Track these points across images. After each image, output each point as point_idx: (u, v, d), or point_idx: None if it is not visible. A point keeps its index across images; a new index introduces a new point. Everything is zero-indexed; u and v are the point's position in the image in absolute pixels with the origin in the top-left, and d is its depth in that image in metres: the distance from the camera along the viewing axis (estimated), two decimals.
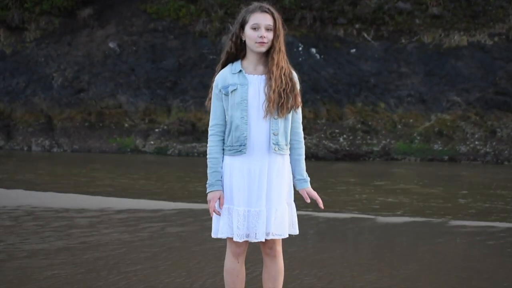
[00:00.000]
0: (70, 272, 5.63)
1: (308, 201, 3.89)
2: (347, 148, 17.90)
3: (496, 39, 19.79)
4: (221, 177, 3.80)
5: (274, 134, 3.74)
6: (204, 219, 8.23)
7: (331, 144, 17.95)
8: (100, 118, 19.98)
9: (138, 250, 6.60)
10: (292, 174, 3.90)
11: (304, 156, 3.93)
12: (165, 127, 19.25)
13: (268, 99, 3.69)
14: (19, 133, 20.07)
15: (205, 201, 3.92)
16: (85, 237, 7.22)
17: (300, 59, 19.68)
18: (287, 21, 20.30)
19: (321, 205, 3.88)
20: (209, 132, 3.82)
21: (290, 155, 3.88)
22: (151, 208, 9.30)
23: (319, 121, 18.67)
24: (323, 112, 18.96)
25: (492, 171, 15.29)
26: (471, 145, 17.71)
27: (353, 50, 20.27)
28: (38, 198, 10.08)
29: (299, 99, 3.80)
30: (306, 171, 3.92)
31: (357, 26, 20.59)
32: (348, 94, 19.42)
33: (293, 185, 3.90)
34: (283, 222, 3.78)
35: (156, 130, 19.28)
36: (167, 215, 8.79)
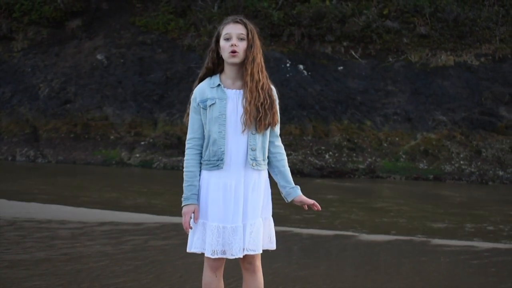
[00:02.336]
0: (51, 284, 5.57)
1: (306, 208, 3.84)
2: (333, 165, 17.90)
3: (482, 59, 19.99)
4: (198, 191, 3.76)
5: (252, 150, 3.71)
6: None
7: (317, 161, 17.95)
8: (85, 130, 19.88)
9: (121, 262, 6.54)
10: (281, 186, 3.86)
11: (288, 167, 3.90)
12: (151, 140, 19.19)
13: (245, 111, 3.67)
14: (3, 143, 19.91)
15: None
16: (67, 249, 7.16)
17: (288, 75, 19.72)
18: (275, 37, 20.56)
19: (318, 207, 3.82)
20: (186, 146, 3.79)
21: (274, 168, 3.85)
22: (134, 221, 9.25)
23: (305, 138, 18.68)
24: (309, 128, 18.98)
25: (477, 191, 15.35)
26: (456, 165, 17.78)
27: (341, 68, 20.37)
28: (20, 208, 9.99)
29: (276, 117, 3.77)
30: None
31: (345, 43, 20.72)
32: (335, 111, 19.47)
33: (285, 196, 3.84)
34: (258, 237, 3.74)
35: (142, 143, 19.21)
36: (151, 228, 8.75)
